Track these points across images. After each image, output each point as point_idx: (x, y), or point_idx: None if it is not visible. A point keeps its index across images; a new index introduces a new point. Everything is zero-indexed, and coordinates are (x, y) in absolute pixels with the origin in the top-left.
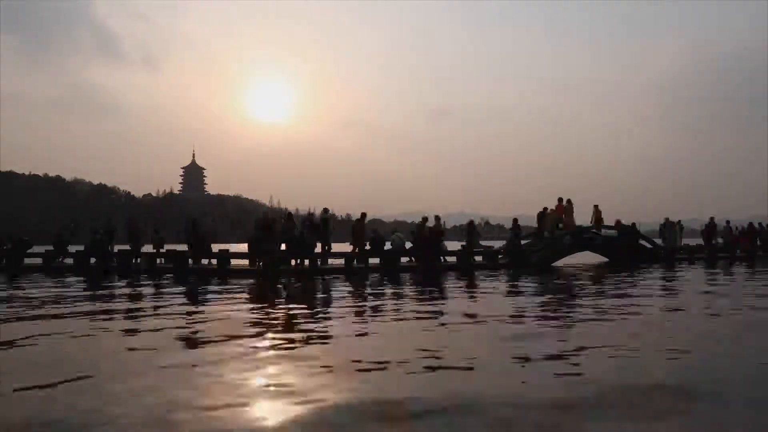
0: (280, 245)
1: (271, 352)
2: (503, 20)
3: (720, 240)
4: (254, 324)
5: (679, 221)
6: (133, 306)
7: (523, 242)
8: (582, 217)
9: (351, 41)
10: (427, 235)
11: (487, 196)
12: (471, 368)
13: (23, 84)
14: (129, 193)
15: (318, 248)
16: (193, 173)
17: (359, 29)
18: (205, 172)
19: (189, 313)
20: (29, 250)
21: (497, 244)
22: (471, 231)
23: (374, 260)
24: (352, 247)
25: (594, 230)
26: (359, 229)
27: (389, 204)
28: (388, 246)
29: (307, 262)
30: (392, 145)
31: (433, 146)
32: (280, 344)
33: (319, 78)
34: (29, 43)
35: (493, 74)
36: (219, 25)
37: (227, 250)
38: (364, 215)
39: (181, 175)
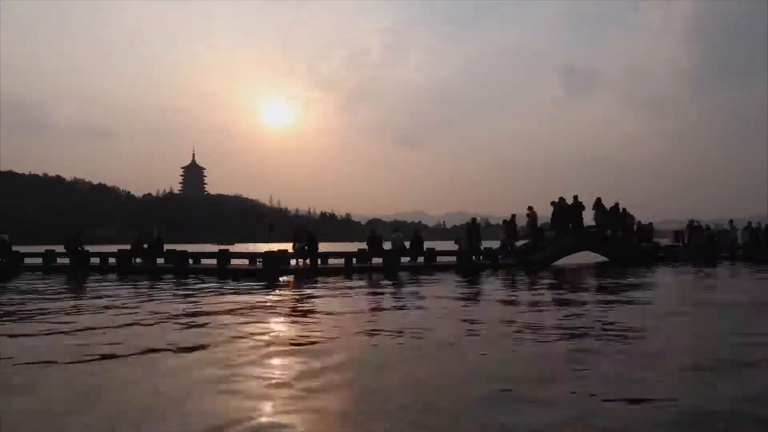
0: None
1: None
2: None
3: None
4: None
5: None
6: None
7: (521, 242)
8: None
9: (352, 39)
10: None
11: (487, 196)
12: None
13: None
14: (129, 193)
15: None
16: (193, 173)
17: (361, 28)
18: (205, 172)
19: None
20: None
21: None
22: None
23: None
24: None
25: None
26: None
27: (389, 203)
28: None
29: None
30: (391, 145)
31: (433, 146)
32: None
33: (319, 79)
34: None
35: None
36: (218, 25)
37: (227, 250)
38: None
39: (181, 175)
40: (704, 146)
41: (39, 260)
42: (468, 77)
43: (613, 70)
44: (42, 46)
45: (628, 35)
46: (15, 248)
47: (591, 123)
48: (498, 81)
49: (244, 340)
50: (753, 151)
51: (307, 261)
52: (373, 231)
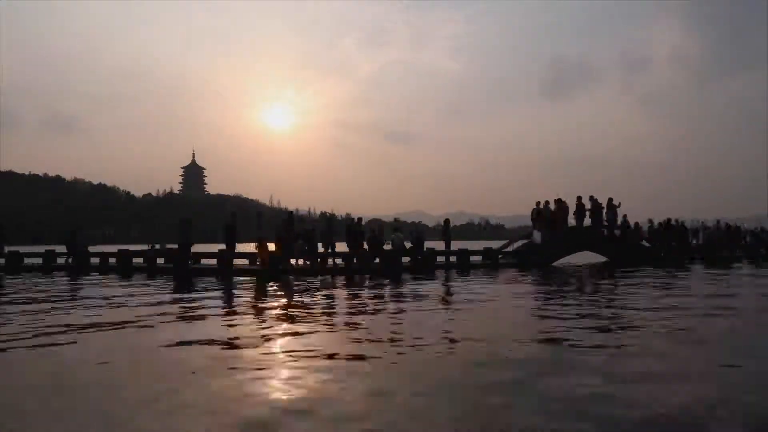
0: None
1: None
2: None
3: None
4: None
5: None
6: None
7: (523, 242)
8: None
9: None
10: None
11: (487, 196)
12: None
13: None
14: (129, 193)
15: None
16: (193, 173)
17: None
18: (205, 172)
19: None
20: None
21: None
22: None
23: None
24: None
25: None
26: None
27: (389, 203)
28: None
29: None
30: (392, 145)
31: (433, 145)
32: None
33: (318, 78)
34: None
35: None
36: (218, 25)
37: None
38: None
39: (181, 175)
40: (706, 145)
41: (39, 260)
42: (468, 76)
43: (613, 66)
44: (42, 46)
45: (628, 32)
46: (15, 248)
47: (591, 121)
48: (499, 80)
49: None
50: (754, 151)
51: (307, 261)
52: (373, 231)
